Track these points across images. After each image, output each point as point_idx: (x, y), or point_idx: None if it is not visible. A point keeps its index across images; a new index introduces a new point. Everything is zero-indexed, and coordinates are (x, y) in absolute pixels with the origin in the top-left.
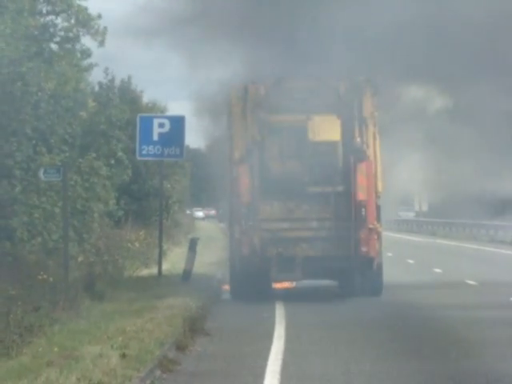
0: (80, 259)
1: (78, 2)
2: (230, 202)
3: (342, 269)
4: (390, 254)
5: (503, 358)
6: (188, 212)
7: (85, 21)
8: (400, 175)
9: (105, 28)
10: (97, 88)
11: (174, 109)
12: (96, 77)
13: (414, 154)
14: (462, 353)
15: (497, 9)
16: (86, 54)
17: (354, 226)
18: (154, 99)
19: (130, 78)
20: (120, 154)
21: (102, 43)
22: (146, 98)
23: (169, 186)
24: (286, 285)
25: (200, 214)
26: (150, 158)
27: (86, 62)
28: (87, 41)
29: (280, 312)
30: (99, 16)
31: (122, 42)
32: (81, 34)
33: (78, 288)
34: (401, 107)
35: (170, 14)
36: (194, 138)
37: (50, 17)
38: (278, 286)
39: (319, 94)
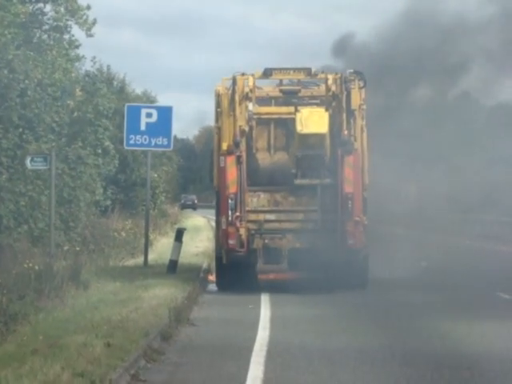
0: (66, 248)
1: None
2: (216, 193)
3: (328, 261)
4: (376, 247)
5: (489, 352)
6: None
7: (74, 10)
8: (388, 168)
9: (94, 20)
10: (86, 78)
11: (162, 100)
12: (84, 66)
13: (402, 147)
14: (447, 346)
15: None
16: (75, 44)
17: (340, 219)
18: (144, 90)
19: (109, 66)
20: (107, 143)
21: (89, 32)
22: (134, 89)
23: (156, 175)
24: (271, 276)
25: None
26: (137, 148)
27: (74, 53)
28: (76, 31)
29: (265, 303)
30: (88, 7)
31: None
32: (69, 23)
33: (64, 277)
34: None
35: None
36: (182, 127)
37: (39, 4)
38: (263, 277)
39: (308, 87)
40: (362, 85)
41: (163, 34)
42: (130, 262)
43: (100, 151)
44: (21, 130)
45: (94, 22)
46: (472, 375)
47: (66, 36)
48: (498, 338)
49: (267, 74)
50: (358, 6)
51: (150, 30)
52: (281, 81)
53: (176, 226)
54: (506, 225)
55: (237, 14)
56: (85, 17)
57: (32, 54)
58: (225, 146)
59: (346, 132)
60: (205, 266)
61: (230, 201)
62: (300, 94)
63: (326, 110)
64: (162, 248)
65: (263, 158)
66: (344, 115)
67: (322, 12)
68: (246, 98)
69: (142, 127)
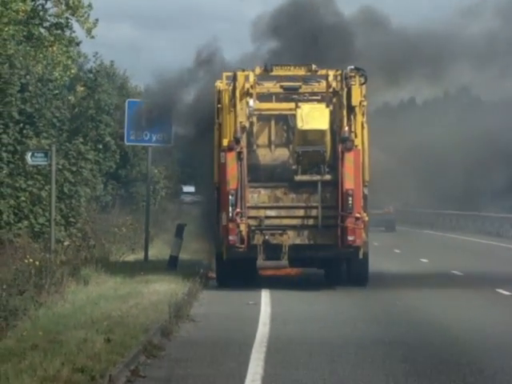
0: (66, 243)
1: None
2: (217, 190)
3: (328, 257)
4: (376, 244)
5: (488, 349)
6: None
7: (74, 7)
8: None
9: (96, 20)
10: (87, 74)
11: None
12: (88, 64)
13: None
14: (446, 342)
15: None
16: (75, 42)
17: (340, 215)
18: (146, 86)
19: (112, 62)
20: (108, 139)
21: (89, 32)
22: (137, 85)
23: (156, 171)
24: (272, 272)
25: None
26: (137, 144)
27: (75, 50)
28: (77, 28)
29: (266, 299)
30: (89, 5)
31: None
32: (70, 21)
33: (64, 272)
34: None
35: None
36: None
37: (41, 1)
38: (264, 273)
39: (308, 83)
40: (362, 81)
41: (161, 29)
42: (131, 258)
43: (101, 147)
44: (21, 125)
45: (96, 23)
46: (471, 371)
47: (67, 33)
48: (493, 328)
49: (268, 69)
50: None
51: (149, 24)
52: (281, 77)
53: (176, 222)
54: (506, 221)
55: (233, 7)
56: (86, 15)
57: (33, 49)
58: (225, 142)
59: (346, 128)
60: (205, 262)
61: (230, 197)
62: (301, 90)
63: (327, 106)
64: (162, 243)
65: (264, 154)
66: (344, 111)
67: None
68: (246, 93)
69: (143, 123)
